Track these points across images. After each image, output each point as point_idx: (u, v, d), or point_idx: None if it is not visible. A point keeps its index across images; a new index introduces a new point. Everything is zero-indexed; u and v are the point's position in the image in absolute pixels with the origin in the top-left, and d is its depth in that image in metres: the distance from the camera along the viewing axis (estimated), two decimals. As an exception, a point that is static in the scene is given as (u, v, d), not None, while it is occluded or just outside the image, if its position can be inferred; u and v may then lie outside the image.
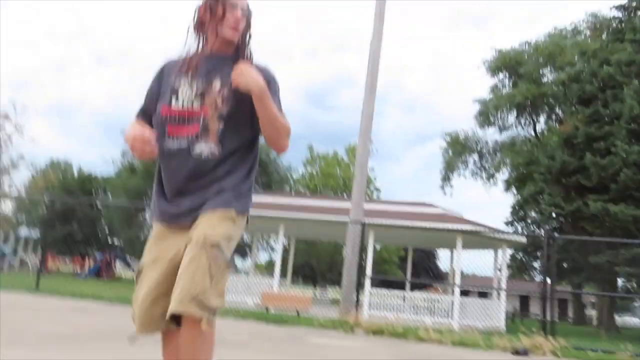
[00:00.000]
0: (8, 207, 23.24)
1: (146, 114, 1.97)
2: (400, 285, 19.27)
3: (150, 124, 1.92)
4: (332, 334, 7.66)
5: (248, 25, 1.92)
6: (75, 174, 39.76)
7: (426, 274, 35.17)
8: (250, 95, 1.75)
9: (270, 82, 1.86)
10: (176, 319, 1.65)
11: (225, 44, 1.89)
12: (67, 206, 33.42)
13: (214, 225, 1.72)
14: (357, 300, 9.38)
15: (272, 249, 33.81)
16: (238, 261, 36.76)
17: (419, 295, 14.92)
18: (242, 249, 32.79)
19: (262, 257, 41.72)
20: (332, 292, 31.67)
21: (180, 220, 1.82)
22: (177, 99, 1.85)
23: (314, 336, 7.05)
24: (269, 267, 51.75)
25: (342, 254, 31.20)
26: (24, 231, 30.36)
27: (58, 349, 4.02)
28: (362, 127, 10.49)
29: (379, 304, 14.13)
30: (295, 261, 23.11)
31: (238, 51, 1.90)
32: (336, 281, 37.79)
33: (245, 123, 1.86)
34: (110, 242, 35.89)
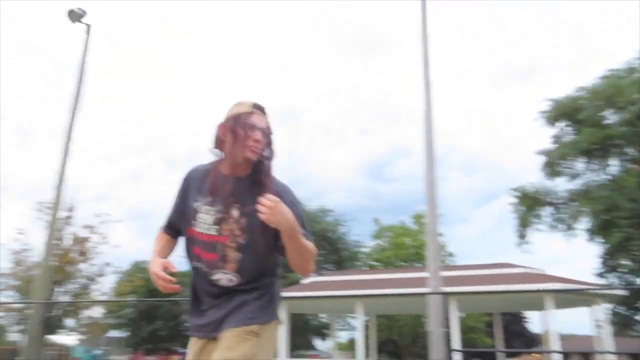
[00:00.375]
0: (98, 312, 24.45)
1: (171, 227, 2.07)
2: (491, 355, 17.94)
3: (175, 235, 2.05)
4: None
5: (269, 145, 1.88)
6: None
7: (517, 338, 32.60)
8: (272, 227, 1.73)
9: (293, 202, 1.84)
10: None
11: (245, 164, 1.87)
12: (152, 305, 34.71)
13: (232, 347, 1.77)
14: (450, 377, 8.83)
15: (352, 327, 32.93)
16: (318, 342, 35.95)
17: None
18: (321, 331, 32.15)
19: (343, 336, 40.63)
20: (420, 369, 29.93)
21: (207, 331, 1.89)
22: (198, 223, 1.89)
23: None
24: (350, 346, 50.08)
25: (423, 325, 29.79)
26: (113, 333, 31.59)
27: None
28: (427, 194, 10.43)
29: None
30: (378, 337, 22.28)
31: (257, 171, 1.87)
32: (422, 355, 35.73)
33: (265, 251, 1.86)
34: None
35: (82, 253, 21.57)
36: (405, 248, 34.07)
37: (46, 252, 13.58)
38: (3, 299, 21.53)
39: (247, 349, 1.77)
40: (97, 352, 26.97)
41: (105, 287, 23.79)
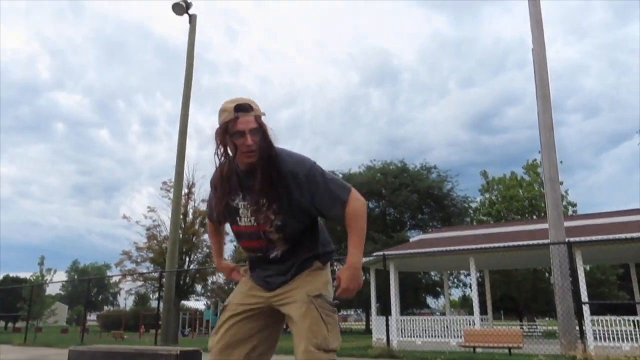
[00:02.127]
0: (222, 278, 26.43)
1: (212, 219, 2.39)
2: (626, 310, 16.48)
3: (217, 222, 2.37)
4: (558, 372, 6.80)
5: (264, 136, 1.93)
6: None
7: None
8: (299, 204, 1.97)
9: (309, 176, 1.95)
10: None
11: (251, 163, 1.96)
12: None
13: (308, 281, 2.02)
14: (581, 331, 8.22)
15: (464, 284, 32.20)
16: (430, 301, 35.77)
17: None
18: (432, 288, 31.89)
19: (455, 294, 39.95)
20: (542, 324, 28.54)
21: (271, 286, 2.09)
22: (240, 219, 2.08)
23: (538, 376, 6.34)
24: (464, 304, 49.19)
25: (544, 280, 28.19)
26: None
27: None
28: (543, 140, 9.61)
29: (605, 334, 12.20)
30: (493, 294, 21.53)
31: (264, 160, 1.94)
32: (544, 312, 34.05)
33: (302, 221, 2.04)
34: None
35: (204, 225, 23.28)
36: (518, 200, 32.16)
37: (173, 226, 14.85)
38: (142, 270, 24.15)
39: (321, 277, 2.07)
40: (209, 315, 29.22)
41: (226, 254, 25.45)
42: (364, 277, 1.92)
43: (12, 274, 52.57)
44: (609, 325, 12.32)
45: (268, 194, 1.95)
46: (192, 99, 15.36)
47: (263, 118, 1.97)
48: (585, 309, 10.21)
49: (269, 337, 2.13)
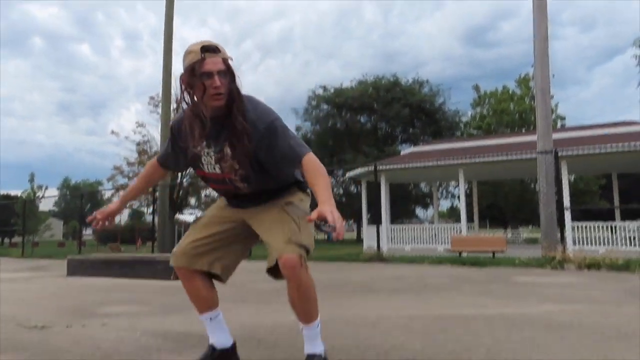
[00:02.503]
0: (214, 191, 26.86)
1: (162, 162, 2.27)
2: (605, 217, 17.13)
3: (166, 167, 2.28)
4: (538, 272, 7.17)
5: (232, 78, 1.86)
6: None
7: (637, 202, 30.68)
8: (256, 156, 1.92)
9: (270, 128, 1.88)
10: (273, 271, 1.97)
11: (218, 108, 1.88)
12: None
13: (283, 197, 2.08)
14: (562, 234, 8.58)
15: (453, 195, 33.02)
16: (419, 212, 36.85)
17: (635, 225, 13.02)
18: (422, 199, 32.72)
19: (443, 205, 41.09)
20: (525, 232, 29.76)
21: (246, 206, 2.13)
22: (203, 166, 2.04)
23: (519, 275, 6.69)
24: (452, 215, 50.77)
25: (530, 191, 28.95)
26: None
27: (278, 300, 4.50)
28: (537, 51, 9.37)
29: (584, 239, 12.78)
30: (480, 204, 22.15)
31: (232, 105, 1.87)
32: (528, 220, 35.31)
33: (265, 171, 2.00)
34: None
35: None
36: (509, 114, 32.14)
37: (163, 141, 14.76)
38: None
39: (295, 196, 2.11)
40: None
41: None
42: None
43: (2, 192, 52.80)
44: (588, 231, 12.88)
45: (233, 143, 1.89)
46: (176, 11, 14.63)
47: (230, 62, 1.87)
48: (567, 215, 10.58)
49: (235, 251, 2.19)
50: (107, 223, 2.21)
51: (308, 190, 2.17)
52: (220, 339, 2.19)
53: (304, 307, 1.96)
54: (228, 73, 1.85)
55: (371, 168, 14.27)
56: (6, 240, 46.42)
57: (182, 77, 1.87)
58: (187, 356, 2.43)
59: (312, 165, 1.84)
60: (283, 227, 1.94)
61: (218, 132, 1.92)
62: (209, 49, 1.82)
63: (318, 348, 2.01)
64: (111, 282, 6.65)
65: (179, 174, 23.07)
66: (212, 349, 2.17)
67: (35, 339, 2.94)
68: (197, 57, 1.80)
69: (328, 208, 1.65)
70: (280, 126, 1.90)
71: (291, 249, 1.86)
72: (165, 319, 3.60)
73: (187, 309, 4.06)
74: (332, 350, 2.47)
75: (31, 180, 27.54)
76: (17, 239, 29.32)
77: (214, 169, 2.01)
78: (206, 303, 2.15)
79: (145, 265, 7.10)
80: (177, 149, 2.11)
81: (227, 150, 1.92)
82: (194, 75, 1.81)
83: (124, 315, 3.79)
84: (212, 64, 1.81)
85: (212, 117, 1.90)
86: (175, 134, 2.08)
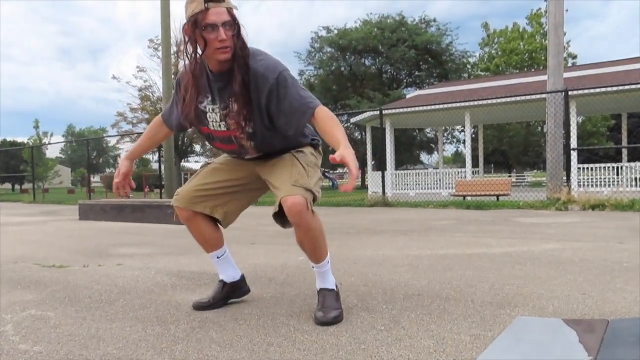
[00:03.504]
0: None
1: (167, 120, 2.18)
2: (613, 159, 17.06)
3: (170, 126, 2.18)
4: (543, 213, 7.26)
5: (238, 29, 1.76)
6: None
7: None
8: (267, 109, 1.85)
9: (282, 78, 1.80)
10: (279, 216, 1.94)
11: (224, 62, 1.79)
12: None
13: (293, 149, 2.03)
14: (568, 175, 8.59)
15: (458, 140, 32.86)
16: (424, 157, 36.81)
17: (640, 166, 12.97)
18: (427, 145, 32.61)
19: (448, 151, 40.97)
20: (530, 176, 29.80)
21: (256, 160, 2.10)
22: (209, 123, 1.97)
23: (523, 217, 6.78)
24: (456, 160, 50.77)
25: (536, 134, 28.74)
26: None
27: (287, 242, 4.60)
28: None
29: (590, 181, 12.80)
30: (485, 149, 22.09)
31: (239, 60, 1.79)
32: (533, 164, 35.31)
33: (270, 128, 1.91)
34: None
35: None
36: (518, 53, 31.35)
37: (166, 86, 14.56)
38: (139, 131, 24.31)
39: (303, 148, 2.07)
40: None
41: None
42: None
43: (8, 139, 53.09)
44: (594, 173, 12.87)
45: (240, 98, 1.81)
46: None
47: (235, 12, 1.77)
48: (573, 156, 10.55)
49: (240, 200, 2.19)
50: (130, 186, 2.18)
51: (320, 148, 2.15)
52: (229, 274, 2.28)
53: (313, 249, 1.99)
54: (234, 24, 1.75)
55: (376, 113, 14.13)
56: (17, 186, 47.13)
57: (184, 28, 1.77)
58: (201, 293, 2.53)
59: (327, 114, 1.80)
60: (291, 170, 1.92)
61: (224, 87, 1.85)
62: None
63: (329, 283, 2.07)
64: (122, 225, 6.80)
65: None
66: (223, 283, 2.26)
67: (55, 277, 3.06)
68: (200, 7, 1.70)
69: (350, 151, 1.62)
70: (290, 77, 1.84)
71: (296, 191, 1.83)
72: (178, 259, 3.72)
73: (199, 250, 4.17)
74: (340, 287, 2.56)
75: (36, 126, 27.52)
76: (27, 185, 29.71)
77: (220, 126, 1.94)
78: (211, 243, 2.21)
79: (155, 209, 7.23)
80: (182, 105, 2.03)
81: (234, 106, 1.85)
82: (197, 27, 1.72)
83: (137, 256, 3.91)
84: (216, 14, 1.71)
85: (217, 70, 1.84)
86: (179, 88, 2.00)
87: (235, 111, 1.86)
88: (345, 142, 1.68)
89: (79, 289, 2.70)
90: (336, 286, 2.10)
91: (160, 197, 13.81)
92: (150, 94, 23.05)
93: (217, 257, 2.25)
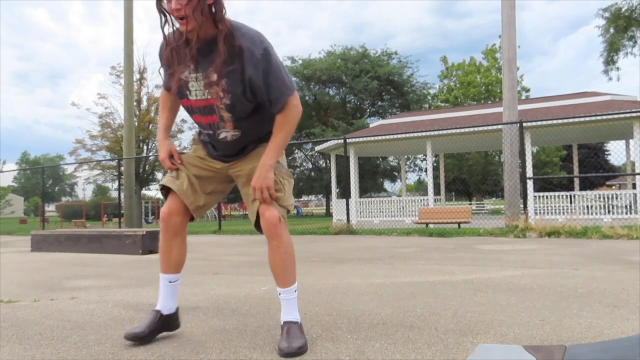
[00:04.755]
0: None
1: (168, 88, 2.16)
2: (565, 188, 17.77)
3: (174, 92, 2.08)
4: (502, 240, 7.44)
5: (201, 3, 1.77)
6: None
7: (595, 171, 31.90)
8: (249, 82, 1.87)
9: (267, 53, 1.84)
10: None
11: (197, 30, 1.83)
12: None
13: (266, 153, 2.00)
14: (525, 204, 8.88)
15: (420, 169, 33.54)
16: (387, 185, 37.32)
17: (592, 194, 13.59)
18: (390, 173, 33.12)
19: (411, 179, 41.67)
20: (489, 203, 30.62)
21: (227, 160, 2.16)
22: (190, 93, 1.98)
23: (483, 244, 6.92)
24: (419, 188, 51.67)
25: (494, 163, 29.69)
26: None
27: (250, 272, 4.53)
28: (505, 18, 9.47)
29: (545, 209, 13.27)
30: (446, 177, 22.61)
31: (221, 31, 1.82)
32: (491, 192, 36.32)
33: (250, 101, 1.94)
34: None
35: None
36: (475, 86, 32.63)
37: (127, 112, 14.33)
38: (98, 158, 23.65)
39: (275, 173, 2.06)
40: None
41: (184, 142, 25.10)
42: (273, 178, 1.99)
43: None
44: (549, 201, 13.36)
45: (219, 69, 1.85)
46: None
47: None
48: (529, 184, 10.93)
49: (214, 197, 2.25)
50: (178, 160, 2.18)
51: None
52: (169, 305, 2.23)
53: (284, 267, 2.03)
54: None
55: (340, 141, 14.30)
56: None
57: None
58: (160, 326, 2.44)
59: (288, 113, 1.94)
60: (269, 187, 1.99)
61: (206, 56, 1.88)
62: None
63: (294, 315, 2.06)
64: (78, 257, 6.54)
65: (144, 147, 22.57)
66: (160, 314, 2.19)
67: (3, 313, 2.89)
68: None
69: (263, 169, 1.94)
70: (273, 52, 1.88)
71: (272, 208, 1.97)
72: (137, 291, 3.59)
73: (158, 281, 4.05)
74: (304, 317, 2.52)
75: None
76: (-25, 216, 28.28)
77: (204, 94, 1.95)
78: (172, 263, 2.20)
79: (113, 239, 6.99)
80: (167, 76, 2.06)
81: (213, 76, 1.88)
82: (158, 2, 1.83)
83: (93, 289, 3.75)
84: None
85: (202, 39, 1.86)
86: (161, 59, 2.05)
87: (214, 81, 1.88)
88: (266, 158, 1.96)
89: (29, 325, 2.55)
90: (300, 321, 2.07)
91: (119, 227, 13.38)
92: (112, 121, 22.60)
93: (169, 282, 2.22)
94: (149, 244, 6.67)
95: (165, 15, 1.86)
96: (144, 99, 22.55)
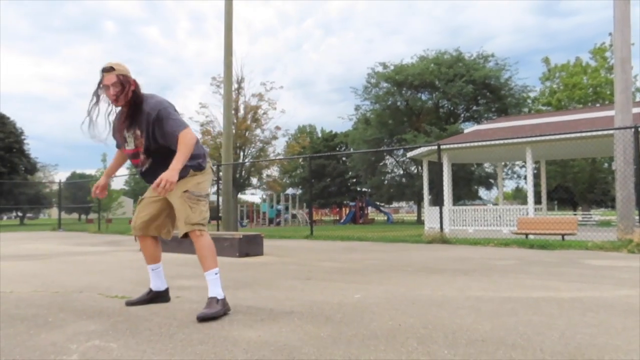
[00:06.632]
0: (275, 172, 27.26)
1: (118, 147, 3.22)
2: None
3: (119, 148, 3.22)
4: (614, 255, 6.79)
5: (122, 89, 2.82)
6: (319, 134, 44.35)
7: None
8: (156, 132, 2.88)
9: (160, 113, 2.82)
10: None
11: (123, 105, 2.89)
12: (320, 164, 37.54)
13: (184, 182, 2.94)
14: (641, 216, 8.04)
15: (518, 176, 31.73)
16: (483, 193, 35.74)
17: None
18: (485, 180, 31.70)
19: (508, 186, 39.60)
20: (598, 214, 28.14)
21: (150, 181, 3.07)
22: (128, 144, 3.00)
23: (592, 259, 6.36)
24: (517, 196, 48.86)
25: (603, 171, 27.25)
26: (289, 190, 35.42)
27: (342, 279, 4.54)
28: (617, 14, 8.68)
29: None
30: (548, 185, 21.14)
31: (132, 106, 2.87)
32: (600, 202, 33.38)
33: (159, 143, 2.91)
34: (359, 190, 39.01)
35: (255, 120, 23.56)
36: (581, 87, 30.20)
37: (226, 120, 15.13)
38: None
39: (192, 180, 2.99)
40: (279, 207, 30.69)
41: (278, 148, 25.88)
42: (177, 178, 2.67)
43: (77, 171, 56.56)
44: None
45: (138, 126, 2.87)
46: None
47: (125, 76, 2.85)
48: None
49: (169, 217, 3.19)
50: (103, 193, 3.25)
51: (206, 168, 3.07)
52: (157, 284, 3.28)
53: (205, 258, 2.92)
54: (119, 83, 2.79)
55: (433, 147, 13.93)
56: (83, 216, 49.75)
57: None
58: (257, 329, 2.53)
59: (182, 139, 2.75)
60: (181, 212, 2.92)
61: (132, 122, 2.89)
62: (105, 69, 2.81)
63: (216, 292, 2.90)
64: (182, 257, 6.99)
65: (241, 154, 23.64)
66: (149, 290, 3.27)
67: (117, 308, 3.16)
68: (100, 75, 2.82)
69: (169, 173, 2.62)
70: (166, 112, 2.82)
71: (190, 228, 2.91)
72: (235, 293, 3.75)
73: (255, 284, 4.20)
74: (398, 328, 2.48)
75: (104, 160, 29.20)
76: (92, 215, 31.31)
77: (133, 145, 2.96)
78: (152, 257, 3.25)
79: (214, 242, 7.37)
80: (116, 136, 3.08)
81: (138, 132, 2.89)
82: (98, 86, 2.85)
83: (195, 289, 3.98)
84: (107, 79, 2.80)
85: (128, 110, 2.88)
86: (114, 124, 3.03)
87: (139, 134, 2.90)
88: (174, 163, 2.67)
89: (140, 321, 2.77)
90: (223, 297, 2.92)
91: (217, 230, 14.11)
92: (211, 129, 23.94)
93: (152, 269, 3.27)
94: (245, 248, 6.95)
95: (98, 97, 2.85)
96: (241, 107, 23.62)
